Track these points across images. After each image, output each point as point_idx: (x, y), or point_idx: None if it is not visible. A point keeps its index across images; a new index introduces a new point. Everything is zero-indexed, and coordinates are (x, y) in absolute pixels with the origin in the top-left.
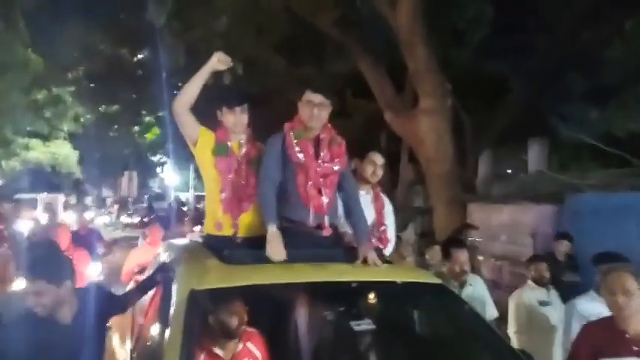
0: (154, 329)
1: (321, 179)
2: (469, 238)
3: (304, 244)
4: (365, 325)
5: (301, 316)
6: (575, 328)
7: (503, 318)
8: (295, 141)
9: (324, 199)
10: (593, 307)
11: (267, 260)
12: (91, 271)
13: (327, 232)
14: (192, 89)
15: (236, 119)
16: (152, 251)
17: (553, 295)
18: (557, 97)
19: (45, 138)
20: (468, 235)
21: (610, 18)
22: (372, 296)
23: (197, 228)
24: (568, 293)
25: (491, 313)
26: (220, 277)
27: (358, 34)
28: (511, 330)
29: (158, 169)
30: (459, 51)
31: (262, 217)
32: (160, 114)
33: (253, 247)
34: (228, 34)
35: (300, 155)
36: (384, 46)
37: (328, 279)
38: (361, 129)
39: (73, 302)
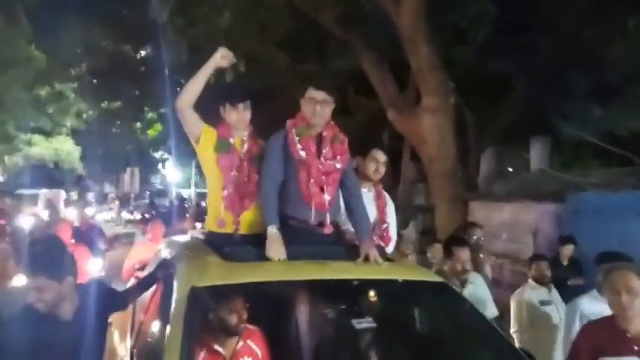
0: (155, 326)
1: (323, 177)
2: (474, 237)
3: (306, 241)
4: (366, 323)
5: (302, 313)
6: (578, 328)
7: (503, 316)
8: (297, 138)
9: (326, 197)
10: (595, 306)
11: (268, 258)
12: (92, 267)
13: (328, 229)
14: (195, 86)
15: (239, 116)
16: (153, 248)
17: (554, 295)
18: (560, 95)
19: (47, 134)
20: (472, 233)
21: (613, 16)
22: (373, 294)
23: (198, 225)
24: (573, 298)
25: (491, 311)
26: (221, 274)
27: (361, 31)
28: (513, 329)
29: (160, 166)
30: (462, 49)
31: (264, 216)
32: (163, 110)
33: (255, 245)
34: (231, 30)
35: (302, 153)
36: (387, 43)
37: (330, 277)
38: (363, 127)
39: (74, 298)
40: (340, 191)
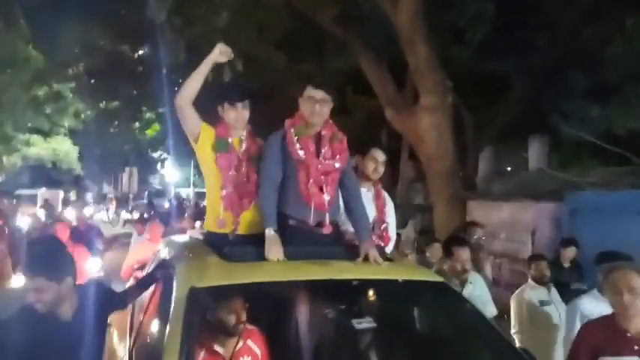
0: (154, 326)
1: (322, 177)
2: (474, 237)
3: (305, 241)
4: (366, 323)
5: (302, 314)
6: (578, 328)
7: (502, 315)
8: (296, 138)
9: (326, 197)
10: (596, 306)
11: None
12: (91, 267)
13: (327, 229)
14: (194, 83)
15: (237, 115)
16: (152, 248)
17: (554, 294)
18: (558, 94)
19: (45, 134)
20: (473, 233)
21: (611, 15)
22: (373, 294)
23: (197, 224)
24: (574, 298)
25: (490, 311)
26: (220, 274)
27: (359, 31)
28: (513, 329)
29: (158, 166)
30: (460, 48)
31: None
32: (161, 110)
33: (254, 245)
34: (229, 30)
35: (301, 152)
36: (385, 42)
37: (329, 277)
38: (361, 126)
39: (74, 299)
40: (339, 191)
